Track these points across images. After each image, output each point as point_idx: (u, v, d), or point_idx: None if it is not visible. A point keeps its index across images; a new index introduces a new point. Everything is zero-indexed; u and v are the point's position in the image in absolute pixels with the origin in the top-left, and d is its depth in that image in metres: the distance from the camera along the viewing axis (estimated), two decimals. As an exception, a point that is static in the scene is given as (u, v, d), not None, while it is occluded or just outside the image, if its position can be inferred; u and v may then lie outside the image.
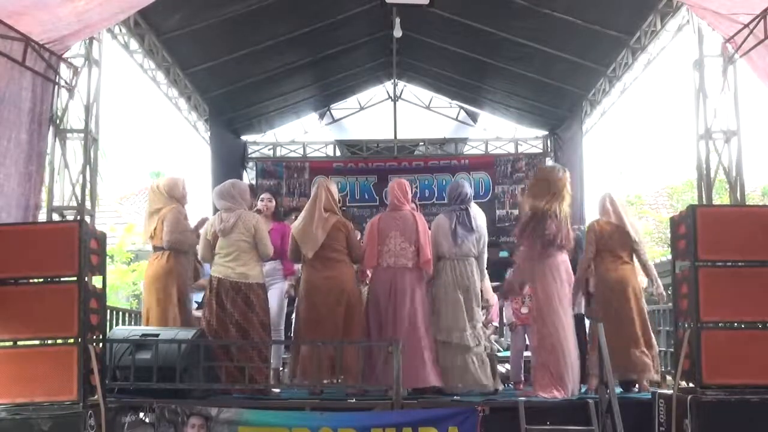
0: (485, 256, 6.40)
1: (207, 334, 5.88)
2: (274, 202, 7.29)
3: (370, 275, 6.53)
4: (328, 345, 5.84)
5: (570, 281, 6.12)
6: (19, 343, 4.81)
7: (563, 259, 6.13)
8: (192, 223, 6.58)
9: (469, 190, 6.46)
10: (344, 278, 6.13)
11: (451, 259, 6.20)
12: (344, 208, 7.92)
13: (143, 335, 5.63)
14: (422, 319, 6.13)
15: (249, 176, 12.46)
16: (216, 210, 6.41)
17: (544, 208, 6.06)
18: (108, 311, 6.58)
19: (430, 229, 6.33)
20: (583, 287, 6.37)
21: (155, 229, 6.39)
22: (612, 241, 6.25)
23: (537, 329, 6.06)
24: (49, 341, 4.91)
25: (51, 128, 6.40)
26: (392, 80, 12.57)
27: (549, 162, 12.59)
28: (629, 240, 6.24)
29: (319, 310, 6.03)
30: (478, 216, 6.41)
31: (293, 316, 7.35)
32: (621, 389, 5.97)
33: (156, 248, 6.41)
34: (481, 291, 6.36)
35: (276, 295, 6.72)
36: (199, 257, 6.37)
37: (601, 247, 6.25)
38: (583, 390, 6.09)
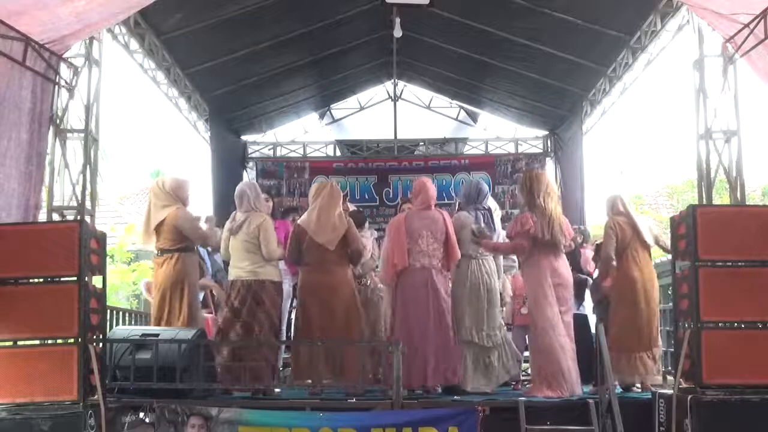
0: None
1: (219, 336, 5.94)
2: (271, 202, 7.31)
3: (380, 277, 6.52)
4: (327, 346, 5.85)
5: (566, 281, 6.08)
6: (19, 343, 4.81)
7: (558, 259, 6.08)
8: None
9: (487, 189, 6.50)
10: (343, 281, 6.09)
11: (476, 258, 6.19)
12: (354, 209, 7.89)
13: (143, 335, 5.63)
14: (453, 320, 6.16)
15: (249, 176, 12.45)
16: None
17: (527, 208, 6.11)
18: (108, 311, 6.57)
19: None
20: (599, 285, 6.36)
21: (160, 230, 6.23)
22: (632, 241, 6.20)
23: (531, 329, 6.08)
24: (49, 341, 4.91)
25: (51, 128, 6.40)
26: (392, 80, 12.58)
27: (549, 162, 12.63)
28: (644, 240, 6.22)
29: (319, 313, 5.99)
30: (495, 213, 6.52)
31: (293, 316, 7.35)
32: (621, 389, 5.97)
33: (164, 251, 6.22)
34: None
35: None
36: (222, 257, 6.37)
37: (622, 246, 6.19)
38: (585, 390, 6.10)
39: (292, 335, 7.35)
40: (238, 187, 6.32)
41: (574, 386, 5.84)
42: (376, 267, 6.94)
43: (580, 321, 6.63)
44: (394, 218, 6.58)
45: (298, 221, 6.34)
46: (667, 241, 6.38)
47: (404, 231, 6.14)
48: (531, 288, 6.04)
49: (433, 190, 6.37)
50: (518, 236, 5.99)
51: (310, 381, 5.96)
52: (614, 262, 6.16)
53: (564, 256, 6.17)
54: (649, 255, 6.31)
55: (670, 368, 6.32)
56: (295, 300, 7.04)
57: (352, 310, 6.09)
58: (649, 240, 6.24)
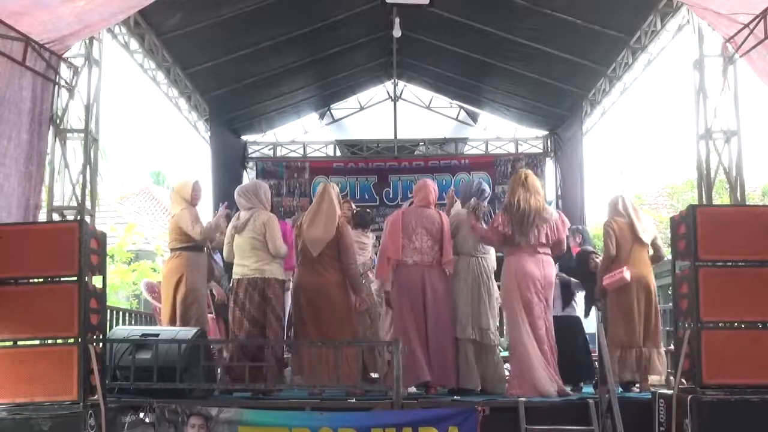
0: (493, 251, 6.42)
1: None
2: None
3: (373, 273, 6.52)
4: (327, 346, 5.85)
5: (543, 281, 6.00)
6: (19, 343, 4.80)
7: (532, 259, 6.02)
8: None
9: (489, 189, 6.51)
10: (332, 283, 6.04)
11: (475, 256, 6.20)
12: (360, 209, 7.95)
13: (143, 335, 5.63)
14: (451, 318, 6.15)
15: (249, 176, 12.47)
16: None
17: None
18: (108, 311, 6.59)
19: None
20: (599, 285, 6.33)
21: (169, 231, 6.58)
22: (631, 242, 6.22)
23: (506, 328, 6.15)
24: (49, 341, 4.91)
25: (51, 128, 6.40)
26: (392, 80, 12.58)
27: (548, 162, 12.64)
28: (641, 239, 6.24)
29: (308, 312, 6.03)
30: None
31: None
32: (621, 389, 5.97)
33: (171, 250, 6.52)
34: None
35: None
36: (224, 257, 6.41)
37: (621, 247, 6.22)
38: (584, 390, 6.09)
39: (292, 334, 7.36)
40: (239, 187, 6.37)
41: (545, 385, 5.78)
42: (373, 267, 6.95)
43: (569, 322, 6.60)
44: (393, 213, 6.62)
45: (299, 220, 6.38)
46: (662, 244, 6.40)
47: (400, 226, 6.17)
48: (503, 287, 6.10)
49: (434, 190, 6.38)
50: (490, 230, 6.08)
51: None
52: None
53: (543, 257, 6.04)
54: (648, 255, 6.31)
55: (670, 368, 6.33)
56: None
57: (341, 312, 6.04)
58: (646, 239, 6.26)
